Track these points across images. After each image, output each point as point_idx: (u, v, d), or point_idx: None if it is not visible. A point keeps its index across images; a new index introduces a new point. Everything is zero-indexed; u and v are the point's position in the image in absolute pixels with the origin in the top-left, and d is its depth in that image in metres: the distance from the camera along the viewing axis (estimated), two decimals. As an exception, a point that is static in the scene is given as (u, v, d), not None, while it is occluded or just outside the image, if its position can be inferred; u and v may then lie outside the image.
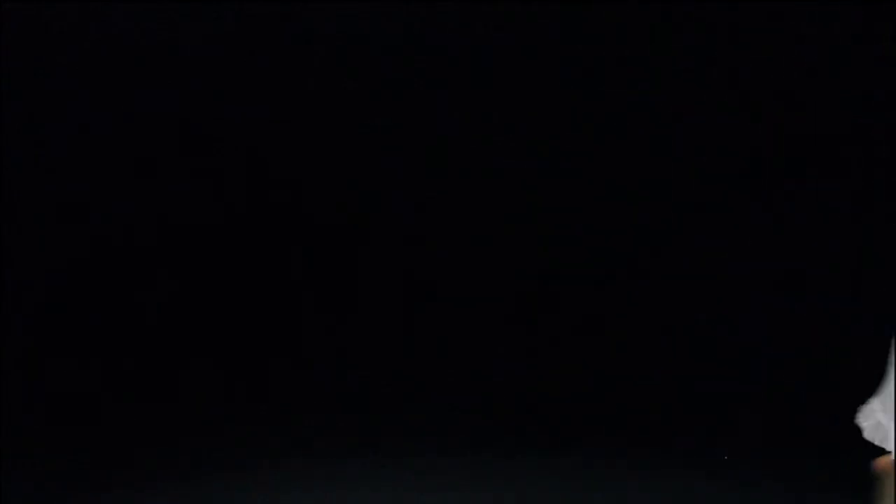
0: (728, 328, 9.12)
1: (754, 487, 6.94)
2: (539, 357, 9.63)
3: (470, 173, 9.86)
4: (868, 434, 5.52)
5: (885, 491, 5.23)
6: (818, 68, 8.98)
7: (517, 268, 9.92)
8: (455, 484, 6.95)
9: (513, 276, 9.93)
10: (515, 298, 9.89)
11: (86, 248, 9.67)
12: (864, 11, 8.82)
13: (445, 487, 6.86)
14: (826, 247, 8.96)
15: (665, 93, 9.42)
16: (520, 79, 9.69)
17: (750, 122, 9.24)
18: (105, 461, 7.54)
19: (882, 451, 5.36)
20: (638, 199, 9.57)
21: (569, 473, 7.24)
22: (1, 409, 8.32)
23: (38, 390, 8.97)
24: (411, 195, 9.98)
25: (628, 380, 9.28)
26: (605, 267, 9.55)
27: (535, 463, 7.49)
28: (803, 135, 9.08)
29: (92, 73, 9.54)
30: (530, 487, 6.91)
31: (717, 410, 8.48)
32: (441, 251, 9.90)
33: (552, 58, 9.64)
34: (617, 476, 7.12)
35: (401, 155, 9.85)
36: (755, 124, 9.23)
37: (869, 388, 5.40)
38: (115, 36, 9.46)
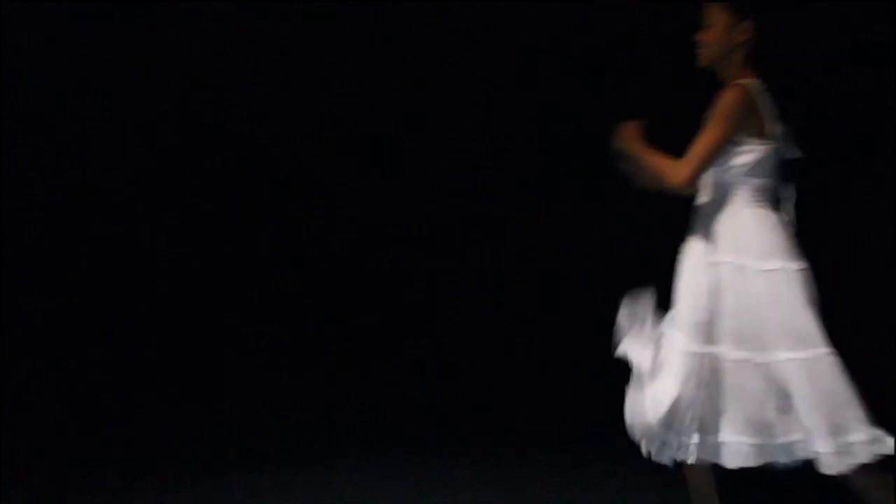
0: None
1: (754, 489, 6.95)
2: (538, 358, 9.65)
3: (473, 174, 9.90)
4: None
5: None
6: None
7: (516, 268, 9.94)
8: (455, 486, 6.96)
9: (512, 276, 9.94)
10: (515, 299, 9.90)
11: (85, 247, 9.69)
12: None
13: (446, 489, 6.88)
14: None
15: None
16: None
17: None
18: (104, 462, 7.56)
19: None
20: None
21: (569, 475, 7.26)
22: (1, 408, 8.36)
23: (38, 390, 9.00)
24: (414, 196, 10.00)
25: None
26: (603, 266, 9.57)
27: (535, 465, 7.50)
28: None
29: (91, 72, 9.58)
30: (530, 490, 6.93)
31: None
32: (440, 251, 9.92)
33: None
34: (618, 478, 7.12)
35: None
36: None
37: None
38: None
